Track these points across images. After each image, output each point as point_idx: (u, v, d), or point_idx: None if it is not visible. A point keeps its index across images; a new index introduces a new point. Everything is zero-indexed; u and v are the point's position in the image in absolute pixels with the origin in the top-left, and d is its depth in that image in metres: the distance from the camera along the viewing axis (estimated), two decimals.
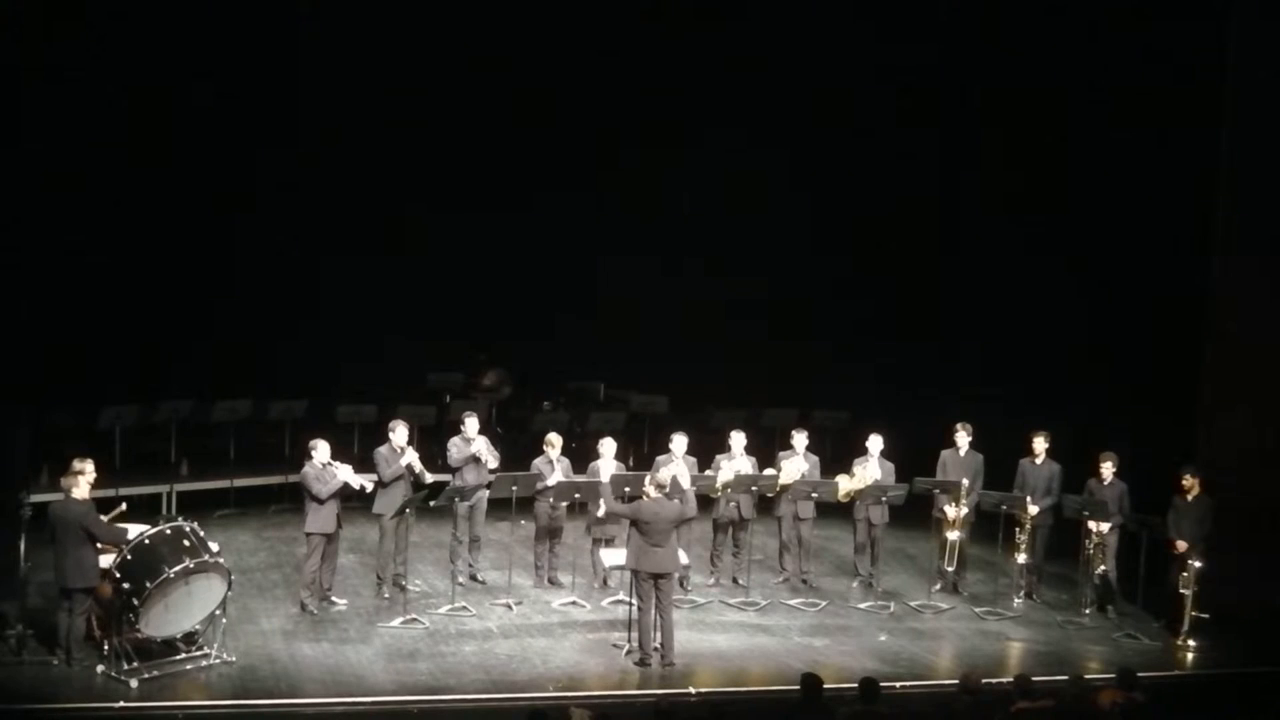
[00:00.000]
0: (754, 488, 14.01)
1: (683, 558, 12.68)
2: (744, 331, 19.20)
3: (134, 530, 11.68)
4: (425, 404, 17.57)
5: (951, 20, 18.02)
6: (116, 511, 11.92)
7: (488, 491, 13.80)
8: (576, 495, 13.64)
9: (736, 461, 14.11)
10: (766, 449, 15.55)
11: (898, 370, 18.36)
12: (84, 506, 11.33)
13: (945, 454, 14.39)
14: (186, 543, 11.51)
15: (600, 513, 13.46)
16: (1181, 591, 13.25)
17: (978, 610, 13.96)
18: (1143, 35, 16.06)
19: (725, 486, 13.92)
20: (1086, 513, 13.67)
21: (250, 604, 13.13)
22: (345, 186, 18.77)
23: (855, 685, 10.02)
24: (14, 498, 12.00)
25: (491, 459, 13.84)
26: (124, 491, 14.99)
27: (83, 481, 11.46)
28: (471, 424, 13.99)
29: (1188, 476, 13.47)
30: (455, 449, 13.87)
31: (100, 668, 11.28)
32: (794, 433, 14.54)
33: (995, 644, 13.22)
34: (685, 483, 13.13)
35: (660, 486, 12.22)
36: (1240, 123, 14.64)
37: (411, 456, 13.38)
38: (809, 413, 17.22)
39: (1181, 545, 13.31)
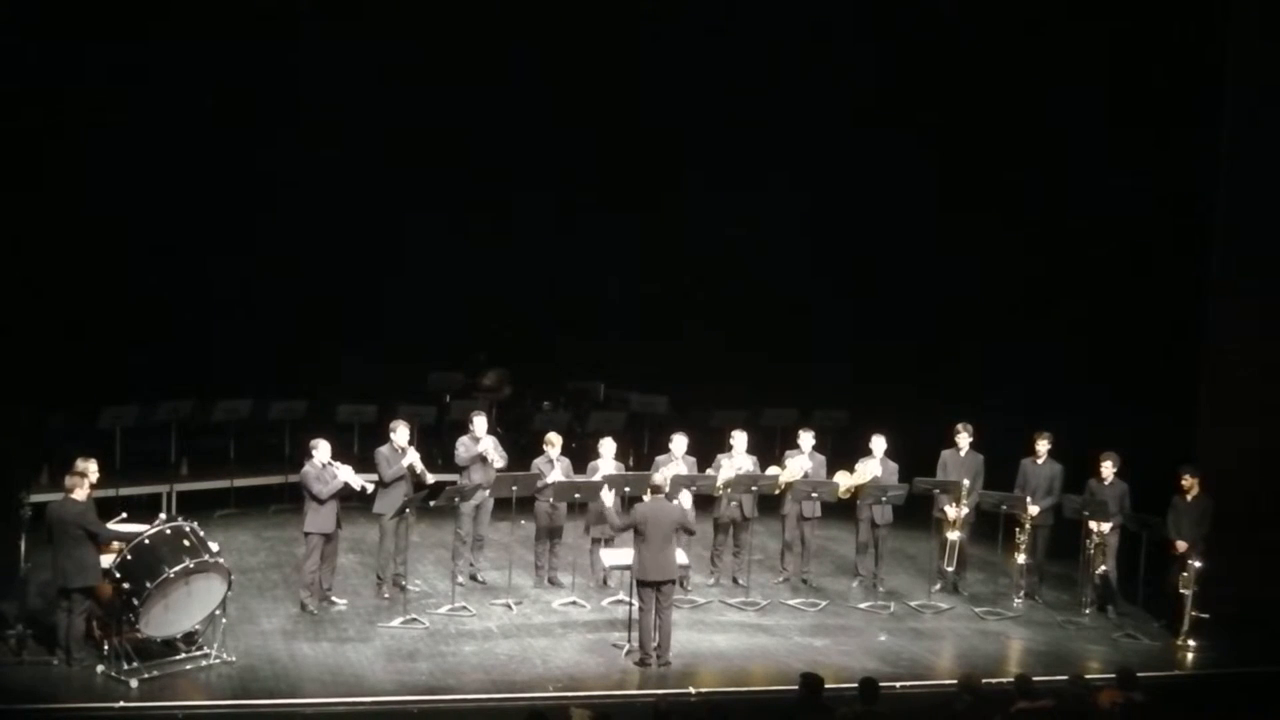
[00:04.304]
0: (754, 487, 14.01)
1: (682, 558, 12.68)
2: (743, 331, 19.20)
3: (134, 530, 11.69)
4: (425, 404, 17.57)
5: (948, 15, 18.00)
6: (117, 520, 11.93)
7: (489, 491, 13.81)
8: (576, 495, 13.65)
9: (738, 460, 14.12)
10: (767, 449, 15.56)
11: (897, 370, 18.36)
12: (82, 506, 11.32)
13: (945, 454, 14.40)
14: (186, 543, 11.52)
15: (609, 502, 13.41)
16: (1181, 591, 13.24)
17: (978, 610, 13.96)
18: (1143, 34, 16.07)
19: (726, 486, 13.93)
20: (1087, 513, 13.67)
21: (250, 604, 13.13)
22: (346, 187, 18.76)
23: (855, 685, 10.01)
24: (14, 498, 12.00)
25: (499, 459, 13.85)
26: (124, 491, 15.07)
27: (85, 483, 11.46)
28: (480, 423, 14.00)
29: (1188, 476, 13.47)
30: (463, 448, 13.88)
31: (100, 668, 11.29)
32: (800, 432, 14.55)
33: (995, 644, 13.23)
34: (687, 503, 13.11)
35: (657, 489, 12.21)
36: (1240, 126, 14.63)
37: (413, 457, 13.38)
38: (809, 412, 17.22)
39: (1181, 545, 13.32)
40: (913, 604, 14.04)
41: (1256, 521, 14.03)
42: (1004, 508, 14.14)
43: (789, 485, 14.11)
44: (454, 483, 13.92)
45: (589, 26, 18.79)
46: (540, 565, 14.25)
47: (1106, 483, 13.78)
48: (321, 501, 12.81)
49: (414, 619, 12.86)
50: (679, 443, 14.06)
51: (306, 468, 12.93)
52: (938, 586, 14.38)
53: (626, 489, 13.59)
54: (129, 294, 17.70)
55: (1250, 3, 14.69)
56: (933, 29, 18.15)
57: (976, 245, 17.97)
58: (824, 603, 13.96)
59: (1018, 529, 14.09)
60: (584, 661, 12.16)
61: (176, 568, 11.28)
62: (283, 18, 18.15)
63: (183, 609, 11.46)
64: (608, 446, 14.03)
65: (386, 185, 19.00)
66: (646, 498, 12.22)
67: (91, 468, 11.72)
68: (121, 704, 10.80)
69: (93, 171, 17.01)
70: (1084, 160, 16.86)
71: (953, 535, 14.19)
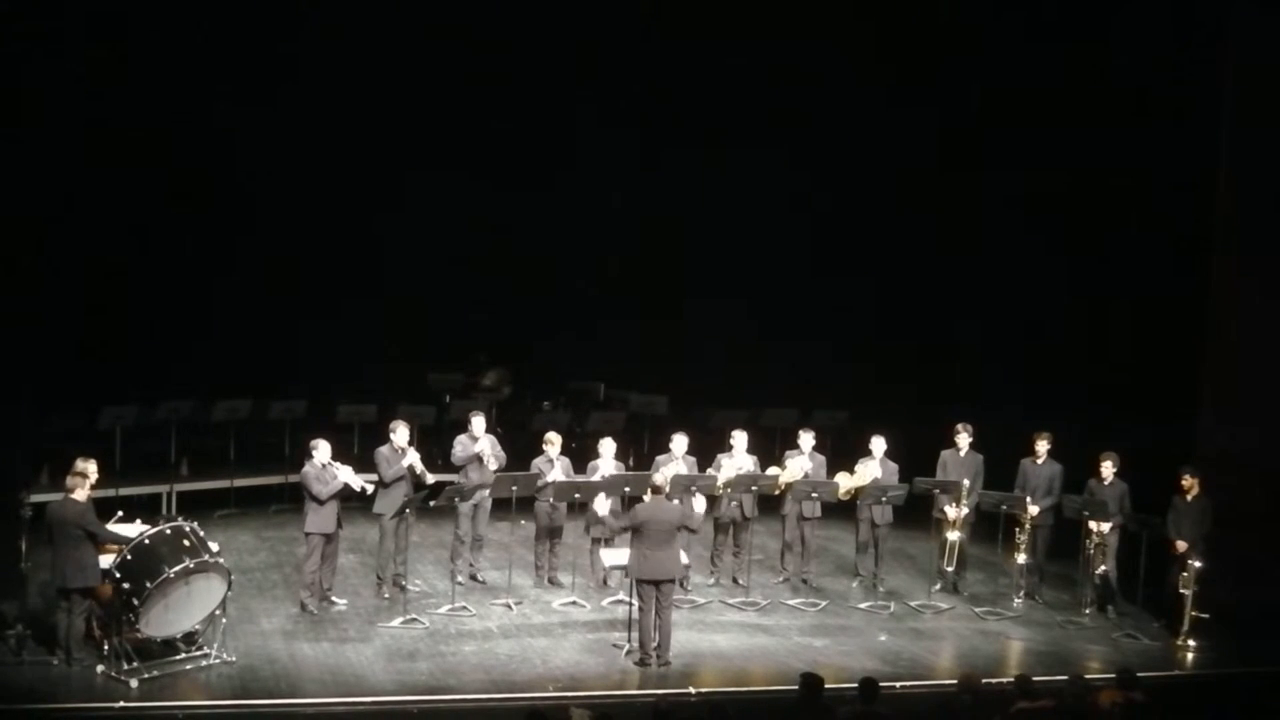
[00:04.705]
0: (754, 487, 14.02)
1: (683, 558, 12.67)
2: (744, 332, 19.20)
3: (134, 530, 11.69)
4: (425, 404, 17.57)
5: (950, 16, 18.00)
6: (114, 520, 11.93)
7: (489, 491, 13.81)
8: (576, 495, 13.64)
9: (738, 460, 14.11)
10: (767, 449, 15.56)
11: (898, 370, 18.37)
12: (82, 506, 11.32)
13: (945, 454, 14.40)
14: (186, 543, 11.51)
15: (602, 510, 13.42)
16: (1181, 591, 13.25)
17: (978, 610, 13.96)
18: (1143, 33, 16.07)
19: (726, 486, 13.93)
20: (1087, 513, 13.68)
21: (250, 604, 13.13)
22: (345, 186, 18.76)
23: (855, 685, 10.01)
24: (14, 498, 12.00)
25: (494, 460, 13.83)
26: (124, 491, 15.07)
27: (86, 483, 11.46)
28: (478, 423, 13.98)
29: (1188, 476, 13.47)
30: (460, 447, 13.87)
31: (100, 668, 11.28)
32: (800, 432, 14.55)
33: (995, 644, 13.23)
34: (699, 506, 13.11)
35: (657, 489, 12.20)
36: (1240, 122, 14.64)
37: (413, 457, 13.37)
38: (809, 412, 17.23)
39: (1181, 545, 13.32)
40: (913, 604, 14.04)
41: (1256, 521, 14.03)
42: (1004, 508, 14.15)
43: (789, 485, 14.11)
44: (454, 483, 13.92)
45: (591, 24, 18.79)
46: (540, 565, 14.25)
47: (1106, 483, 13.78)
48: (321, 502, 12.81)
49: (414, 619, 12.87)
50: (679, 443, 14.06)
51: (306, 468, 12.93)
52: (938, 586, 14.38)
53: (626, 489, 13.59)
54: (129, 294, 17.69)
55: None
56: (932, 29, 18.17)
57: (976, 245, 17.98)
58: (824, 603, 13.96)
59: (1018, 529, 14.09)
60: (584, 661, 12.16)
61: (176, 568, 11.28)
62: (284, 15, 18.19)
63: (183, 609, 11.46)
64: (608, 446, 14.03)
65: (386, 185, 19.00)
66: (647, 498, 12.23)
67: (91, 468, 11.71)
68: (121, 704, 10.79)
69: (92, 171, 16.99)
70: (1084, 159, 16.85)
71: (953, 535, 14.18)
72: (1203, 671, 12.87)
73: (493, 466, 13.81)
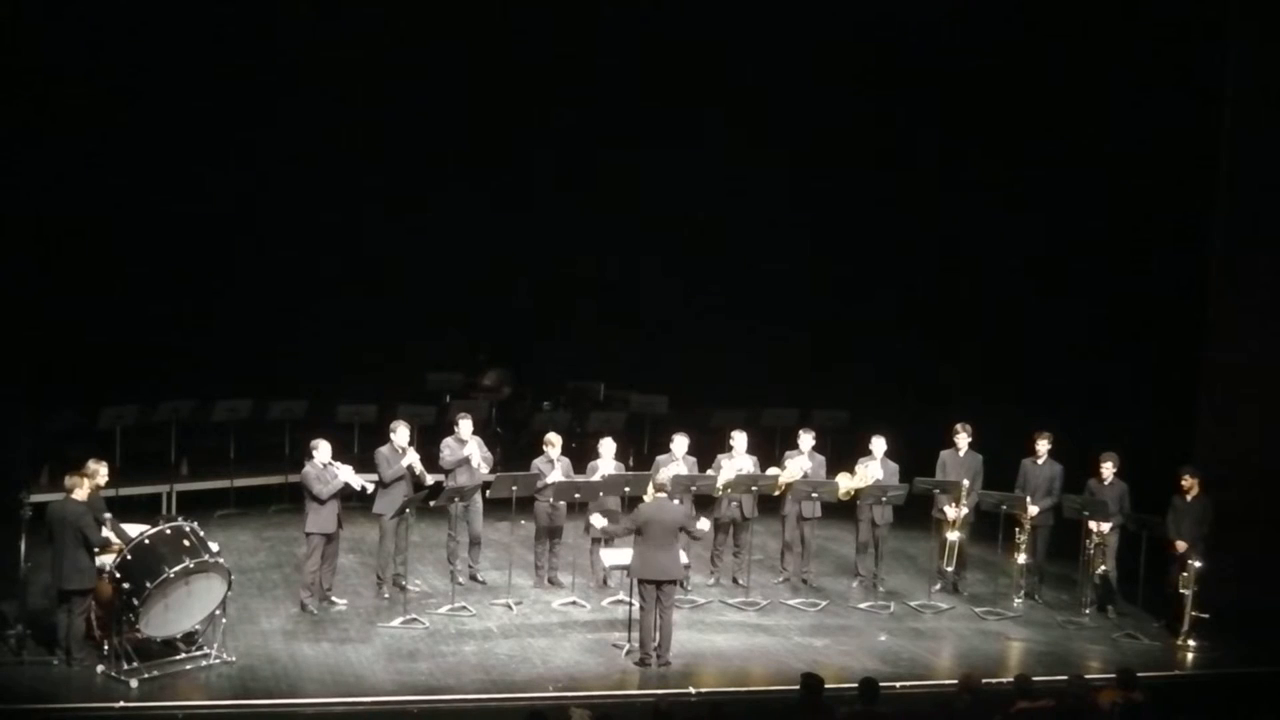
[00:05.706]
0: (754, 488, 14.01)
1: (682, 558, 12.66)
2: (744, 331, 19.20)
3: (134, 530, 11.69)
4: (425, 404, 17.57)
5: (952, 10, 17.99)
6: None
7: (489, 491, 13.80)
8: (576, 495, 13.63)
9: (738, 460, 14.11)
10: (767, 449, 15.56)
11: (898, 370, 18.36)
12: (81, 508, 11.31)
13: (945, 454, 14.39)
14: (186, 543, 11.51)
15: (599, 524, 13.21)
16: (1181, 591, 13.25)
17: (978, 610, 13.96)
18: (1143, 32, 16.07)
19: (726, 486, 13.92)
20: (1086, 513, 13.68)
21: (250, 604, 13.13)
22: (344, 186, 18.77)
23: (855, 685, 10.02)
24: (14, 498, 12.00)
25: (484, 465, 13.80)
26: (124, 491, 15.04)
27: (86, 483, 11.45)
28: (465, 425, 13.93)
29: (1187, 476, 13.48)
30: (448, 450, 13.83)
31: (100, 668, 11.29)
32: (800, 432, 14.55)
33: (995, 644, 13.23)
34: (704, 525, 13.09)
35: (660, 488, 12.19)
36: (1240, 122, 14.63)
37: (413, 457, 13.37)
38: (809, 413, 17.23)
39: (1181, 545, 13.32)
40: (913, 604, 14.04)
41: (1256, 521, 14.03)
42: (1004, 508, 14.14)
43: (789, 486, 14.11)
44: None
45: (589, 26, 18.79)
46: (540, 565, 14.25)
47: (1106, 483, 13.79)
48: (322, 502, 12.81)
49: (414, 619, 12.87)
50: (679, 443, 14.06)
51: (307, 468, 12.93)
52: (938, 586, 14.39)
53: (626, 489, 13.58)
54: (130, 294, 17.69)
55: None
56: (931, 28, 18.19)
57: (976, 246, 17.98)
58: (824, 603, 13.96)
59: (1018, 529, 14.10)
60: (584, 661, 12.16)
61: (176, 568, 11.28)
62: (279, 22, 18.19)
63: (183, 609, 11.46)
64: (608, 446, 14.03)
65: (385, 184, 19.01)
66: (647, 497, 12.22)
67: (102, 470, 11.73)
68: (121, 704, 10.80)
69: (91, 170, 17.00)
70: (1085, 159, 16.85)
71: (952, 535, 14.18)
72: (1203, 671, 12.87)
73: (484, 470, 13.79)
